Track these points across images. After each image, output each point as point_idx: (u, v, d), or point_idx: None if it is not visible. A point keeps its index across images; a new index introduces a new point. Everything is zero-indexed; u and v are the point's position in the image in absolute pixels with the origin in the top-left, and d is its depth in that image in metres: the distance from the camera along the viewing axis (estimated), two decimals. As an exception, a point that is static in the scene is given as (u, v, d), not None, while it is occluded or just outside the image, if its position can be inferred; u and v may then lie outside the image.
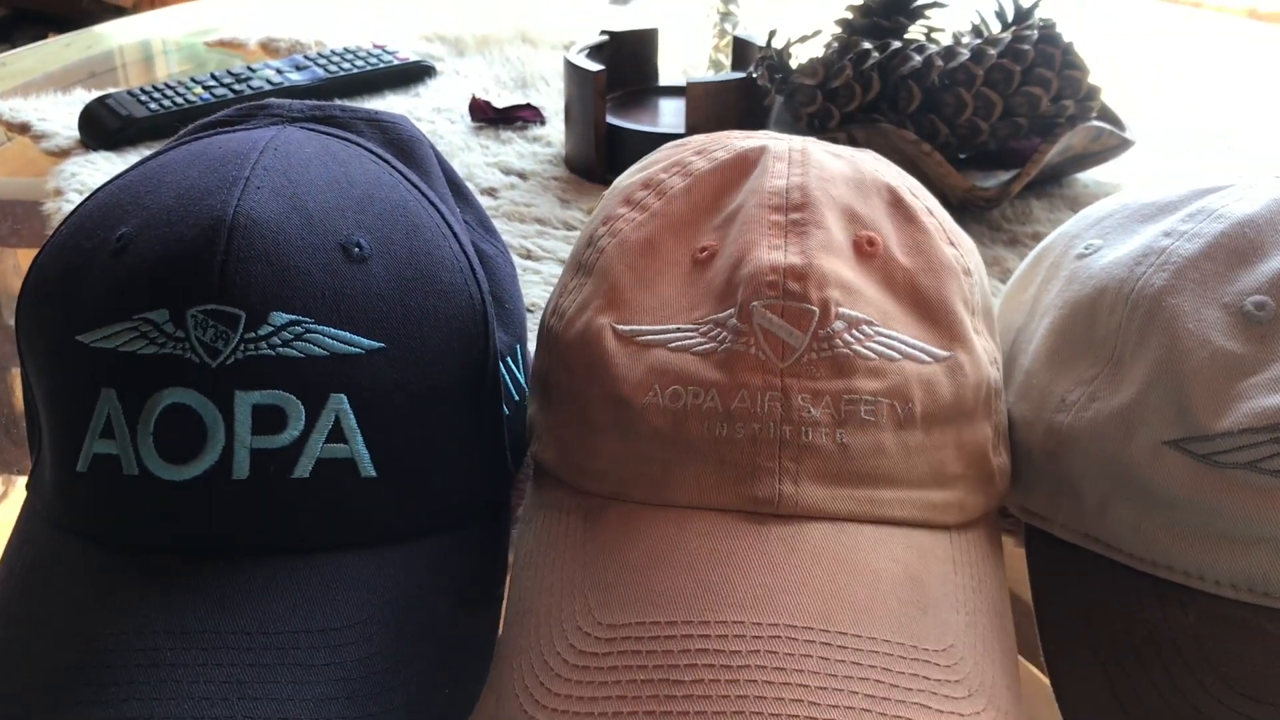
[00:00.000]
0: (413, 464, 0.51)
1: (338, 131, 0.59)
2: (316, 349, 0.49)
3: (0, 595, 0.50)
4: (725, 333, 0.49)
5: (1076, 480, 0.53)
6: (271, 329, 0.48)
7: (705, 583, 0.45)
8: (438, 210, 0.57)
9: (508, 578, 0.54)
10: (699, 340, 0.50)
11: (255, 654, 0.44)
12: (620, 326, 0.52)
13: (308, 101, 0.62)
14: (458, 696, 0.47)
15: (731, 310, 0.50)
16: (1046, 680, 0.50)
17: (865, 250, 0.52)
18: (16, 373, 0.91)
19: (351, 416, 0.49)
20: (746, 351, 0.49)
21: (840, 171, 0.55)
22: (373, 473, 0.50)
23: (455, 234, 0.56)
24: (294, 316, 0.48)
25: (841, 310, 0.49)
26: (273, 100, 0.62)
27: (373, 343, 0.50)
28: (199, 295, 0.48)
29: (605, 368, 0.51)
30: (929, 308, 0.52)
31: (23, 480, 0.81)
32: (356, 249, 0.51)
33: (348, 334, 0.49)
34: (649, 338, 0.51)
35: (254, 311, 0.48)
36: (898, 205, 0.55)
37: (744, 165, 0.56)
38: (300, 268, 0.49)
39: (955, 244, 0.55)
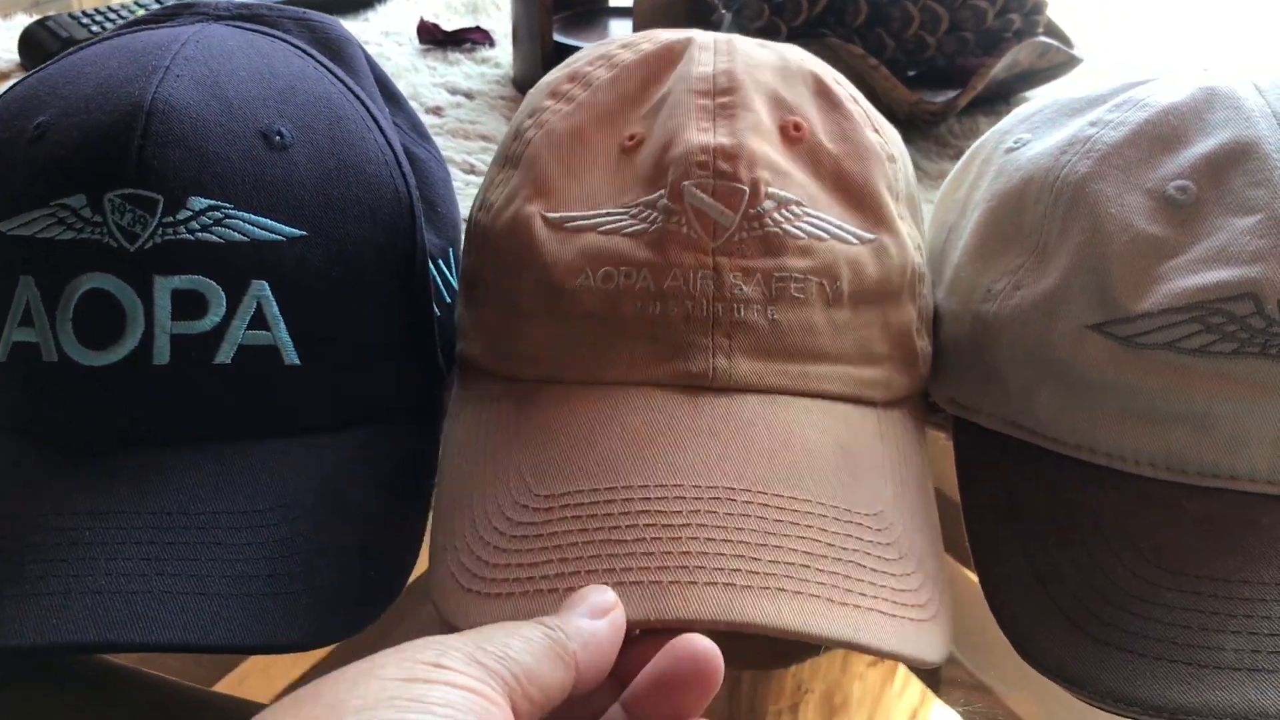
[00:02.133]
0: (337, 354, 0.51)
1: (265, 29, 0.59)
2: (236, 235, 0.48)
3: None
4: (656, 213, 0.50)
5: (1002, 368, 0.54)
6: (190, 214, 0.48)
7: (642, 452, 0.46)
8: (364, 105, 0.56)
9: (436, 476, 0.54)
10: (630, 222, 0.50)
11: (175, 533, 0.44)
12: (549, 214, 0.52)
13: (236, 0, 0.61)
14: (382, 581, 0.47)
15: (662, 191, 0.50)
16: (971, 577, 0.51)
17: (792, 135, 0.53)
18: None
19: (274, 303, 0.49)
20: (678, 231, 0.49)
21: (766, 59, 0.56)
22: (296, 361, 0.50)
23: (381, 129, 0.56)
24: (213, 201, 0.48)
25: (771, 190, 0.50)
26: (199, 0, 0.61)
27: (294, 230, 0.50)
28: (116, 180, 0.47)
29: (535, 254, 0.51)
30: (855, 192, 0.53)
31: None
32: (278, 137, 0.51)
33: (268, 220, 0.49)
34: (579, 223, 0.51)
35: (172, 196, 0.47)
36: (823, 93, 0.55)
37: (670, 55, 0.56)
38: (219, 153, 0.49)
39: (879, 131, 0.56)
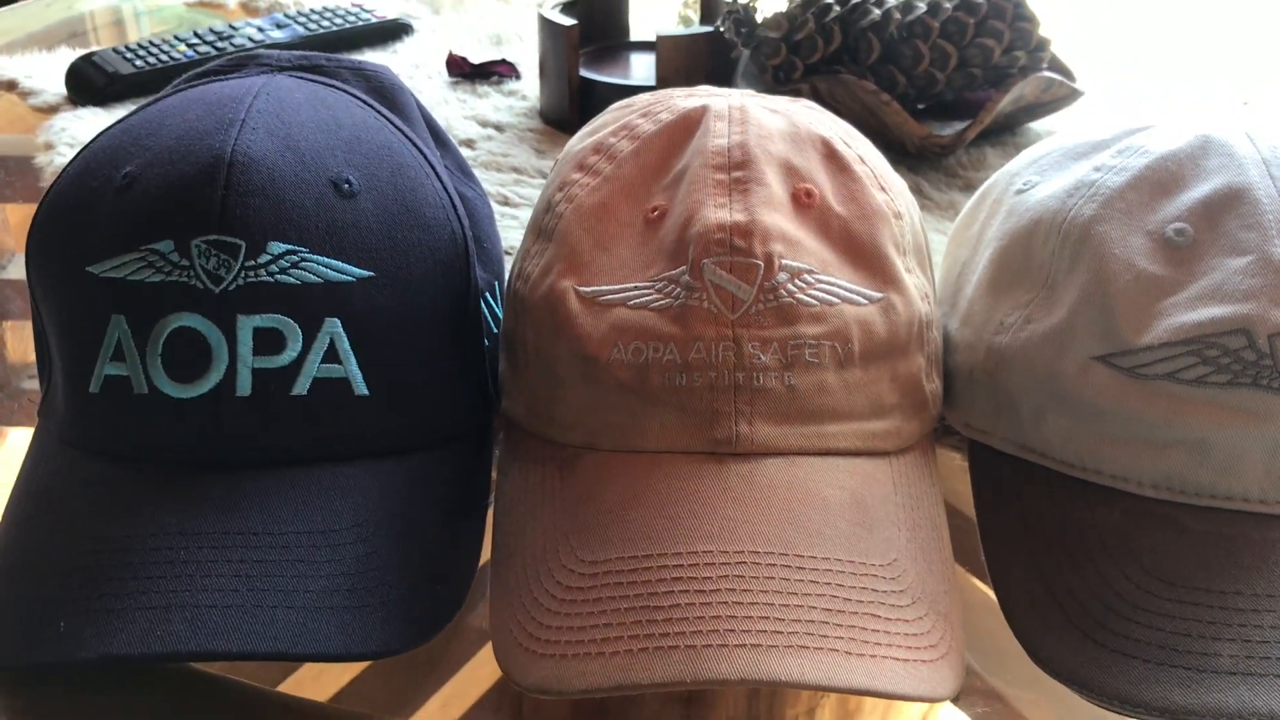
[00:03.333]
0: (402, 384, 0.56)
1: (324, 79, 0.63)
2: (311, 276, 0.53)
3: (18, 509, 0.54)
4: (679, 289, 0.54)
5: (1014, 396, 0.58)
6: (270, 257, 0.52)
7: (675, 518, 0.50)
8: (421, 151, 0.61)
9: (490, 497, 0.58)
10: (655, 297, 0.54)
11: (262, 551, 0.49)
12: (581, 289, 0.56)
13: (294, 52, 0.66)
14: (447, 594, 0.52)
15: (684, 268, 0.54)
16: (986, 590, 0.55)
17: (803, 202, 0.56)
18: (9, 325, 0.94)
19: (345, 339, 0.53)
20: (700, 306, 0.53)
21: (777, 127, 0.59)
22: (365, 391, 0.54)
23: (437, 173, 0.60)
24: (290, 246, 0.52)
25: (784, 262, 0.54)
26: (261, 51, 0.66)
27: (363, 271, 0.54)
28: (202, 227, 0.52)
29: (570, 328, 0.55)
30: (863, 252, 0.56)
31: (14, 431, 0.85)
32: (346, 185, 0.55)
33: (340, 263, 0.53)
34: (609, 297, 0.55)
35: (253, 241, 0.52)
36: (831, 156, 0.59)
37: (688, 125, 0.60)
38: (295, 201, 0.53)
39: (886, 189, 0.59)
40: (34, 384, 0.90)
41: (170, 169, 0.53)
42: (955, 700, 0.58)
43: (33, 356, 0.92)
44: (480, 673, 0.58)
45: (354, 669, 0.57)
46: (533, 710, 0.57)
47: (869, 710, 0.59)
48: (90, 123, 1.05)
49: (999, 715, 0.55)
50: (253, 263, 0.52)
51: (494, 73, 1.19)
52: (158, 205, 0.53)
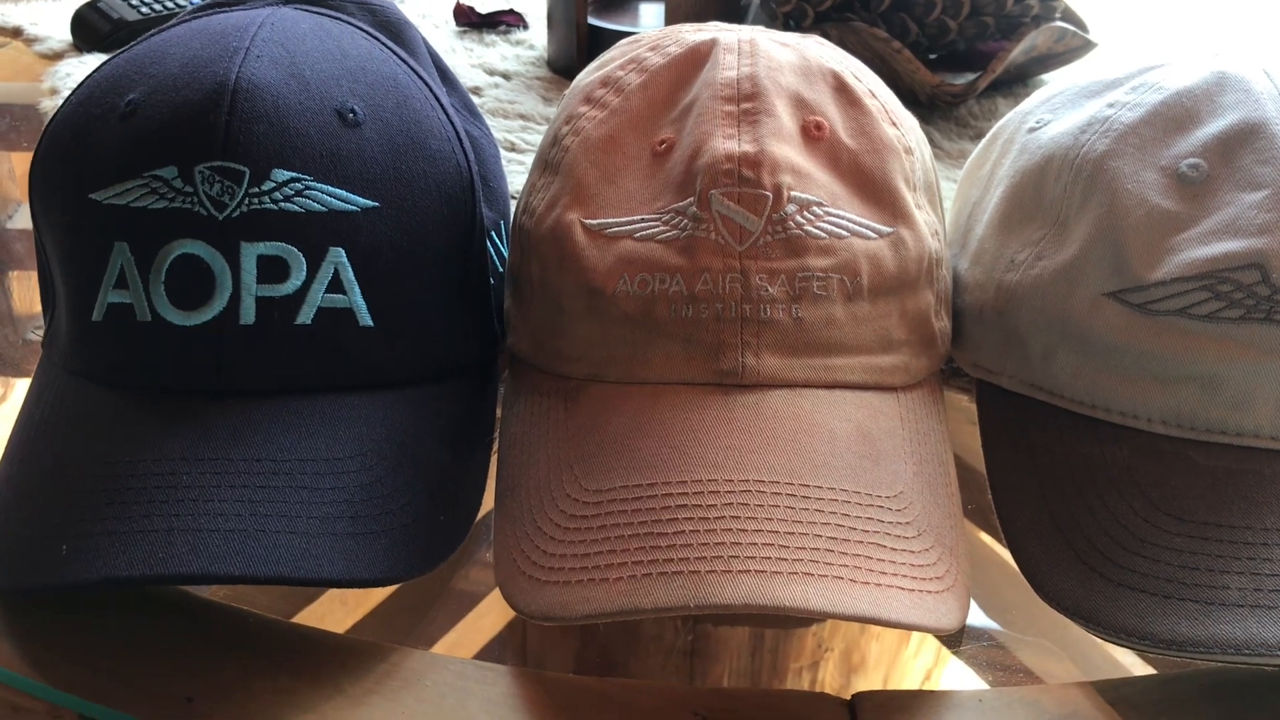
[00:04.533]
0: (406, 316, 0.55)
1: (329, 12, 0.62)
2: (316, 205, 0.52)
3: (23, 436, 0.53)
4: (686, 220, 0.53)
5: (1023, 334, 0.58)
6: (274, 185, 0.51)
7: (680, 447, 0.50)
8: (426, 85, 0.60)
9: (495, 432, 0.58)
10: (662, 229, 0.54)
11: (265, 478, 0.48)
12: (588, 221, 0.55)
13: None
14: (452, 525, 0.51)
15: (691, 199, 0.53)
16: (988, 541, 0.55)
17: (813, 135, 0.56)
18: (15, 275, 0.94)
19: (349, 269, 0.53)
20: (707, 237, 0.52)
21: (787, 60, 0.59)
22: (370, 322, 0.53)
23: (443, 107, 0.60)
24: (294, 174, 0.52)
25: (793, 194, 0.53)
26: (267, -16, 0.65)
27: (367, 201, 0.53)
28: (206, 152, 0.51)
29: (576, 260, 0.55)
30: (873, 187, 0.56)
31: (22, 382, 0.85)
32: (351, 114, 0.54)
33: (344, 192, 0.53)
34: (615, 229, 0.55)
35: (257, 168, 0.51)
36: (842, 90, 0.58)
37: (696, 58, 0.60)
38: (299, 129, 0.53)
39: (897, 124, 0.59)
40: (39, 335, 0.90)
41: (174, 95, 0.53)
42: (955, 649, 0.58)
43: (38, 307, 0.92)
44: (495, 608, 0.58)
45: (370, 601, 0.57)
46: (537, 649, 0.58)
47: (873, 664, 0.59)
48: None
49: (999, 665, 0.55)
50: (256, 190, 0.51)
51: (501, 22, 1.18)
52: (161, 131, 0.52)
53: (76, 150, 0.55)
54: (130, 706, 0.45)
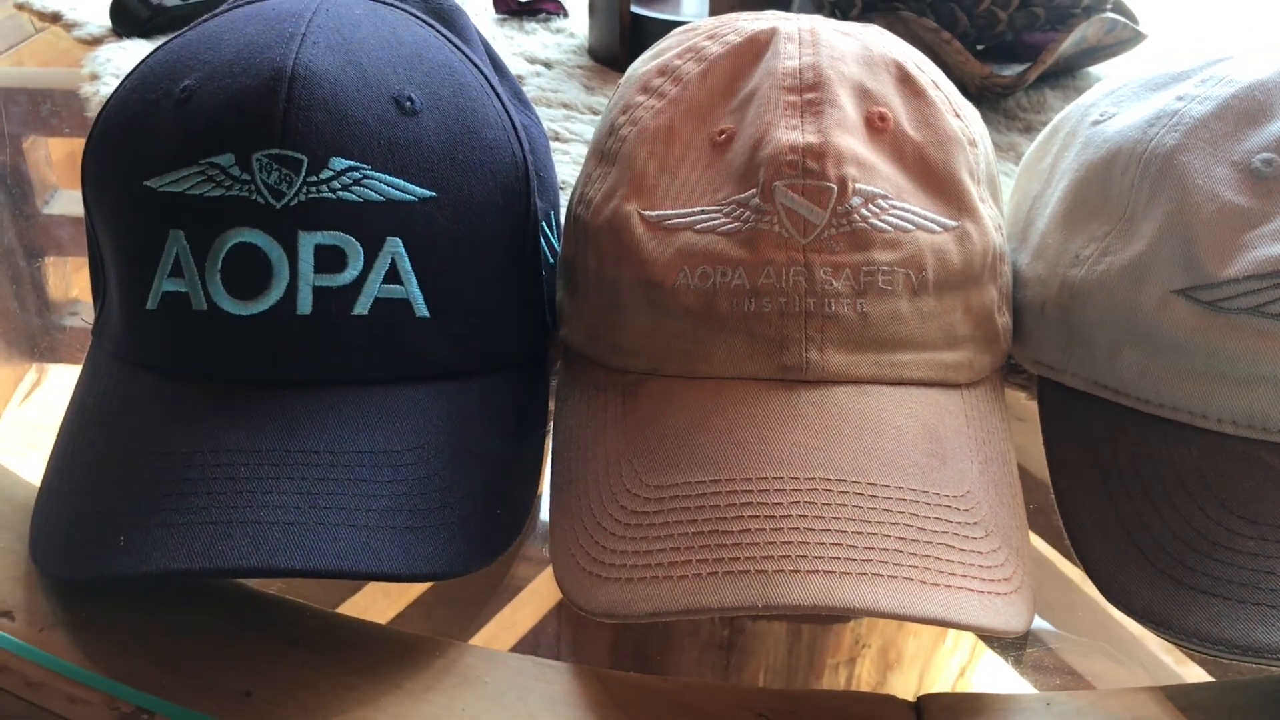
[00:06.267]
0: (462, 307, 0.54)
1: (383, -2, 0.62)
2: (373, 194, 0.51)
3: (75, 424, 0.53)
4: (748, 212, 0.52)
5: (1088, 331, 0.56)
6: (332, 173, 0.51)
7: (744, 444, 0.49)
8: (481, 72, 0.59)
9: (549, 424, 0.57)
10: (723, 221, 0.53)
11: (323, 470, 0.48)
12: (647, 212, 0.54)
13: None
14: (508, 518, 0.51)
15: (754, 191, 0.52)
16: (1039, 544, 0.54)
17: (877, 126, 0.55)
18: (52, 260, 0.94)
19: (406, 259, 0.52)
20: (770, 230, 0.51)
21: (850, 49, 0.58)
22: (426, 313, 0.53)
23: (499, 95, 0.59)
24: (352, 163, 0.51)
25: (858, 186, 0.52)
26: (319, -30, 0.64)
27: (424, 191, 0.53)
28: (264, 140, 0.50)
29: (635, 252, 0.54)
30: (938, 179, 0.55)
31: (54, 368, 0.85)
32: (408, 102, 0.54)
33: (402, 181, 0.52)
34: (675, 221, 0.54)
35: (315, 156, 0.51)
36: (906, 80, 0.57)
37: (756, 48, 0.58)
38: (357, 117, 0.52)
39: (960, 116, 0.58)
40: (75, 321, 0.90)
41: (230, 82, 0.52)
42: (1020, 653, 0.57)
43: (74, 293, 0.92)
44: (532, 601, 0.57)
45: (412, 593, 0.56)
46: (571, 641, 0.57)
47: (908, 661, 0.58)
48: (135, 54, 1.04)
49: (1044, 667, 0.55)
50: (315, 178, 0.51)
51: (541, 9, 1.18)
52: (218, 118, 0.51)
53: (131, 137, 0.54)
54: (189, 699, 0.45)
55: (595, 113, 0.96)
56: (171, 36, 0.59)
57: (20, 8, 1.20)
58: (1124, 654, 0.55)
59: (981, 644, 0.62)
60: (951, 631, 0.70)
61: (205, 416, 0.50)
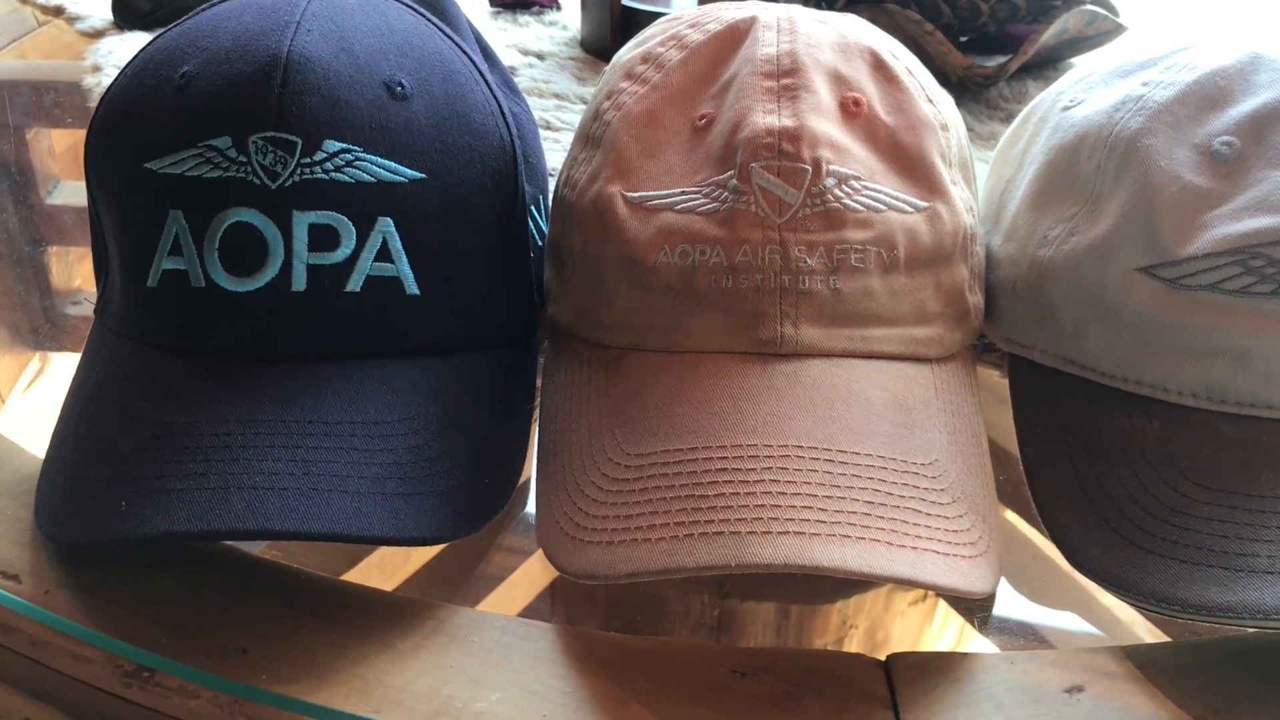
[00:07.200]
0: (451, 285, 0.56)
1: (375, -13, 0.63)
2: (365, 175, 0.53)
3: (78, 396, 0.55)
4: (726, 193, 0.54)
5: (1056, 308, 0.58)
6: (325, 155, 0.53)
7: (720, 413, 0.51)
8: (470, 60, 0.61)
9: (535, 400, 0.59)
10: (702, 201, 0.55)
11: (316, 439, 0.50)
12: (629, 194, 0.56)
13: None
14: (495, 488, 0.53)
15: (731, 172, 0.54)
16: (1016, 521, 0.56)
17: (851, 110, 0.57)
18: (54, 250, 0.96)
19: (397, 239, 0.54)
20: (747, 209, 0.54)
21: (826, 37, 0.60)
22: (416, 291, 0.55)
23: (487, 81, 0.61)
24: (345, 145, 0.53)
25: (832, 168, 0.54)
26: (313, -39, 0.66)
27: (415, 173, 0.55)
28: (259, 123, 0.52)
29: (618, 232, 0.56)
30: (910, 162, 0.57)
31: (57, 356, 0.86)
32: (399, 87, 0.56)
33: (393, 163, 0.54)
34: (656, 202, 0.56)
35: (309, 139, 0.53)
36: (880, 67, 0.59)
37: (736, 35, 0.61)
38: (350, 101, 0.54)
39: (933, 101, 0.60)
40: (78, 310, 0.92)
41: (228, 68, 0.54)
42: (985, 615, 0.59)
43: (77, 282, 0.94)
44: (524, 581, 0.59)
45: (407, 570, 0.58)
46: (564, 620, 0.59)
47: (895, 642, 0.60)
48: (136, 46, 1.05)
49: (1023, 637, 0.56)
50: (308, 160, 0.52)
51: (534, 3, 1.19)
52: (216, 102, 0.53)
53: (132, 121, 0.56)
54: (187, 657, 0.47)
55: (585, 102, 0.98)
56: (169, 26, 0.61)
57: (24, 1, 1.22)
58: (1096, 626, 0.56)
59: (969, 627, 0.64)
60: (938, 613, 0.71)
61: (204, 389, 0.52)
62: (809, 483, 0.47)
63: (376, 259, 0.54)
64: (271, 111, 0.52)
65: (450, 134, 0.57)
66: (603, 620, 0.58)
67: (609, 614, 0.58)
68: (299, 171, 0.52)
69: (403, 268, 0.54)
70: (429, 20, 0.62)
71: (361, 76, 0.55)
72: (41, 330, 0.91)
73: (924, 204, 0.56)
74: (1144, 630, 0.55)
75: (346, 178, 0.53)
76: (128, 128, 0.56)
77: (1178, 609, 0.47)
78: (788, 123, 0.54)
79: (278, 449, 0.49)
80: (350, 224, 0.53)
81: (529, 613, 0.58)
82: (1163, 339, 0.54)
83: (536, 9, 1.19)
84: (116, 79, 0.59)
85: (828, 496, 0.47)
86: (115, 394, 0.53)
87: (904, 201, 0.55)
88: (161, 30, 0.61)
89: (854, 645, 0.65)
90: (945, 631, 0.71)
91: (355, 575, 0.56)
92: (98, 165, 0.58)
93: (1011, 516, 0.58)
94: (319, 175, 0.53)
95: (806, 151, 0.54)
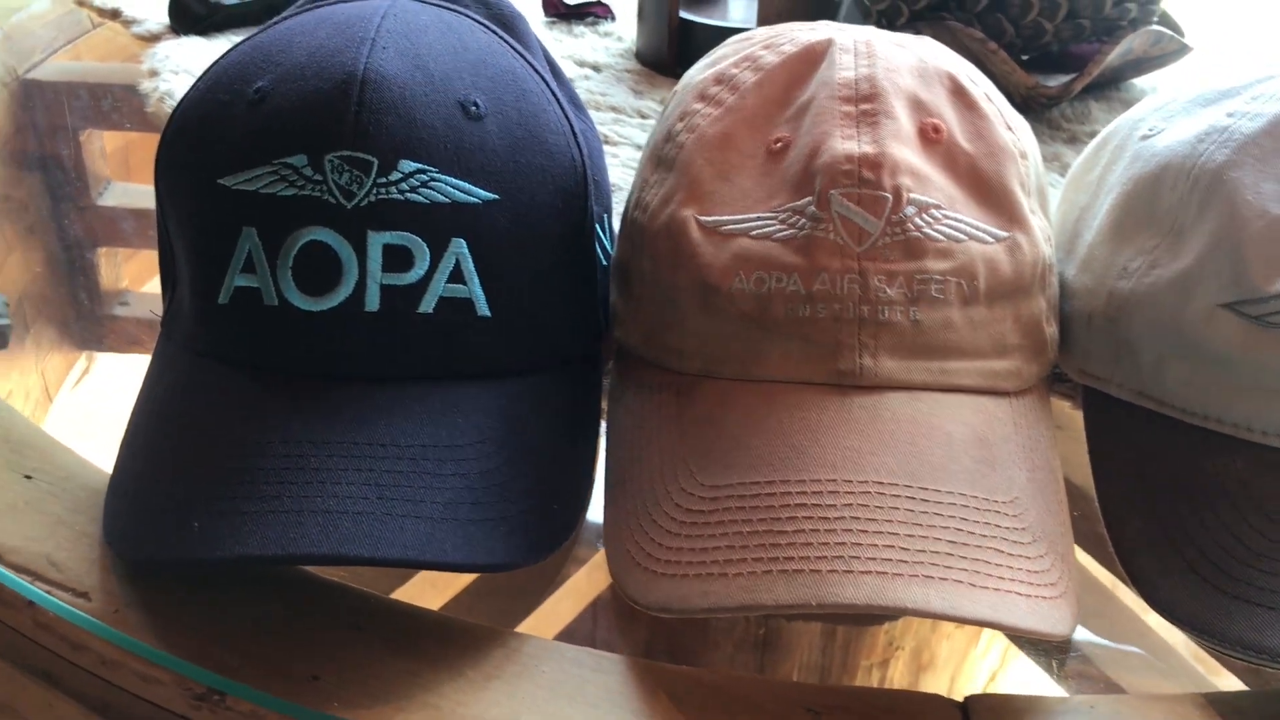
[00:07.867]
0: (521, 307, 0.56)
1: (445, 3, 0.63)
2: (440, 196, 0.53)
3: (147, 412, 0.55)
4: (804, 220, 0.53)
5: (1135, 342, 0.57)
6: (400, 175, 0.52)
7: (798, 446, 0.50)
8: (542, 79, 0.61)
9: (601, 422, 0.59)
10: (779, 227, 0.54)
11: (390, 462, 0.49)
12: (703, 218, 0.56)
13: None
14: (565, 513, 0.52)
15: (810, 198, 0.53)
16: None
17: (931, 137, 0.56)
18: (103, 251, 0.96)
19: (470, 260, 0.54)
20: (825, 237, 0.53)
21: (905, 62, 0.59)
22: (487, 312, 0.54)
23: (559, 101, 0.60)
24: (420, 165, 0.53)
25: (912, 196, 0.53)
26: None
27: (488, 194, 0.54)
28: (336, 142, 0.52)
29: (692, 257, 0.55)
30: (990, 190, 0.56)
31: (103, 356, 0.87)
32: (474, 107, 0.55)
33: (467, 184, 0.54)
34: (731, 227, 0.55)
35: (385, 159, 0.52)
36: (959, 93, 0.58)
37: (812, 57, 0.60)
38: (425, 121, 0.53)
39: (1012, 128, 0.59)
40: (126, 310, 0.92)
41: (303, 84, 0.54)
42: (1064, 658, 0.58)
43: (124, 283, 0.94)
44: (570, 596, 0.59)
45: (459, 584, 0.58)
46: (607, 636, 0.58)
47: (941, 664, 0.59)
48: (193, 51, 1.07)
49: (1079, 675, 0.56)
50: (384, 180, 0.52)
51: (589, 13, 1.19)
52: (291, 119, 0.53)
53: (205, 136, 0.56)
54: (258, 682, 0.46)
55: (643, 116, 0.97)
56: (242, 40, 0.60)
57: (80, 4, 1.22)
58: (1159, 661, 0.56)
59: (1014, 648, 0.63)
60: (984, 636, 0.71)
61: (275, 408, 0.51)
62: (890, 520, 0.47)
63: (449, 280, 0.53)
64: (349, 130, 0.52)
65: (523, 154, 0.56)
66: (647, 633, 0.58)
67: (651, 630, 0.58)
68: (375, 191, 0.52)
69: (475, 289, 0.54)
70: (502, 39, 0.61)
71: (437, 96, 0.54)
72: (89, 331, 0.91)
73: (1004, 234, 0.55)
74: (1206, 671, 0.54)
75: (421, 198, 0.53)
76: (200, 142, 0.56)
77: (1266, 657, 0.46)
78: (868, 149, 0.54)
79: (351, 471, 0.49)
80: (424, 245, 0.53)
81: (573, 627, 0.57)
82: (1246, 377, 0.53)
83: (591, 19, 1.19)
84: (188, 92, 0.59)
85: (909, 535, 0.46)
86: (185, 411, 0.53)
87: (984, 231, 0.54)
88: (234, 45, 0.60)
89: (899, 667, 0.64)
90: (989, 654, 0.70)
91: (410, 587, 0.56)
92: (168, 178, 0.58)
93: (1079, 552, 0.57)
94: (394, 196, 0.52)
95: (887, 179, 0.53)
